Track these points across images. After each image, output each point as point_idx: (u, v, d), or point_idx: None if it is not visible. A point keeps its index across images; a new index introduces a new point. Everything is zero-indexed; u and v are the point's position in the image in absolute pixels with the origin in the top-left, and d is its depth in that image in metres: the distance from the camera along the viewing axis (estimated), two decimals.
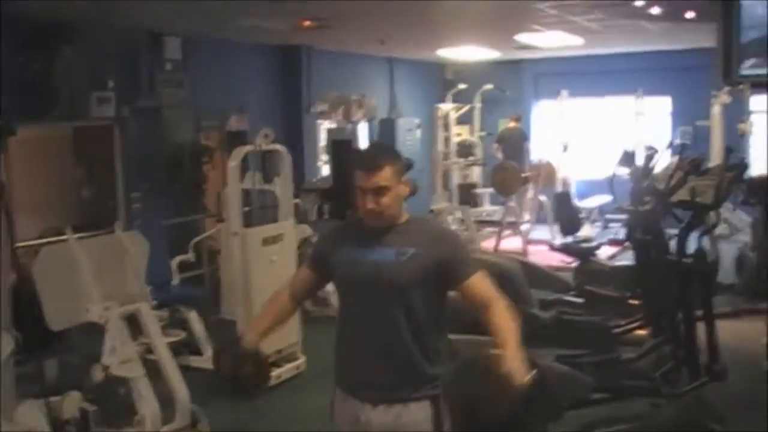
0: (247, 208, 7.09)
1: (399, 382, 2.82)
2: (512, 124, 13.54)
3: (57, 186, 9.61)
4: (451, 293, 2.92)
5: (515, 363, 2.60)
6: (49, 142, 9.52)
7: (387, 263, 2.79)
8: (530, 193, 12.57)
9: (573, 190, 13.28)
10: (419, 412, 2.83)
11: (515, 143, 13.30)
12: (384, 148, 3.12)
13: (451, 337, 4.01)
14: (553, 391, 4.30)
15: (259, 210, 7.21)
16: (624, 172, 7.47)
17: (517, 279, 6.40)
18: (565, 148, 13.14)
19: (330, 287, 3.14)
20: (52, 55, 7.99)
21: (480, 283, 2.84)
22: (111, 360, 4.80)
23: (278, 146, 6.56)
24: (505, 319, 2.77)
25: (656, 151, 6.13)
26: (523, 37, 10.95)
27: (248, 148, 6.44)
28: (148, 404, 4.85)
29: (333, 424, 3.03)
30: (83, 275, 4.87)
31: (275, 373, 6.33)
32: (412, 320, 2.80)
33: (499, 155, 13.21)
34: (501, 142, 13.51)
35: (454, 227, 9.87)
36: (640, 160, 10.20)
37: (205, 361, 6.74)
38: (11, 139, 7.84)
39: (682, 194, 4.98)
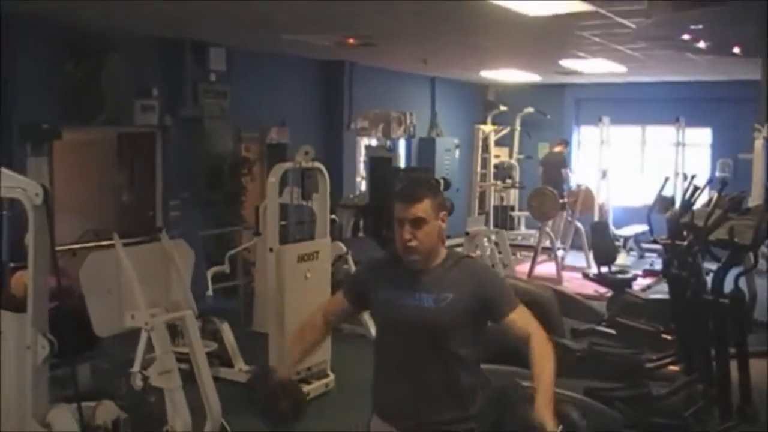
0: (283, 222, 7.14)
1: (436, 419, 2.84)
2: (558, 149, 13.48)
3: (98, 190, 9.75)
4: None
5: (545, 414, 2.62)
6: (93, 147, 9.68)
7: (426, 309, 2.80)
8: (566, 219, 12.52)
9: (610, 217, 13.22)
10: None
11: (555, 168, 13.24)
12: (425, 181, 3.14)
13: (483, 366, 4.02)
14: (581, 427, 4.28)
15: (295, 225, 7.25)
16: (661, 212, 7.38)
17: (550, 308, 6.37)
18: (604, 175, 13.07)
19: None
20: (100, 63, 8.15)
21: (518, 320, 2.85)
22: (151, 370, 4.83)
23: (318, 164, 6.59)
24: (540, 360, 2.77)
25: (697, 188, 6.06)
26: (566, 63, 10.95)
27: (288, 165, 6.49)
28: (180, 415, 4.87)
29: None
30: (129, 282, 4.91)
31: (305, 389, 6.35)
32: (450, 362, 2.82)
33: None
34: (544, 166, 13.45)
35: (488, 251, 9.83)
36: (677, 192, 10.13)
37: (235, 373, 6.80)
38: (56, 143, 8.04)
39: (721, 233, 4.92)
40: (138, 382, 4.80)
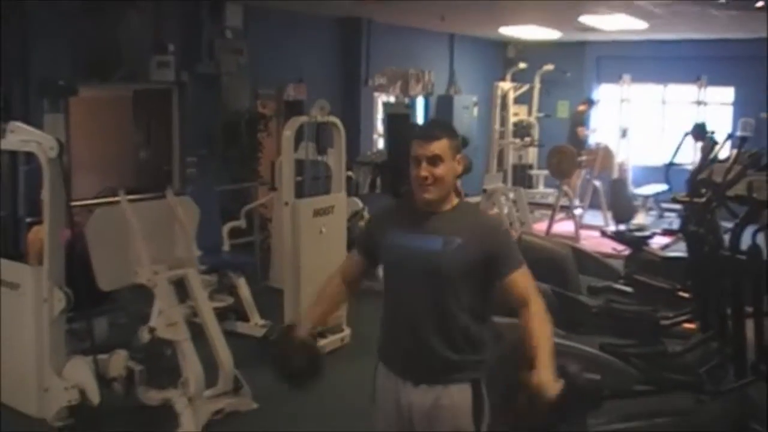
0: (299, 178, 7.13)
1: (440, 365, 2.84)
2: (581, 108, 13.36)
3: (115, 147, 9.78)
4: None
5: (545, 376, 2.61)
6: (110, 104, 9.69)
7: (433, 252, 2.80)
8: (584, 178, 12.47)
9: (630, 176, 13.12)
10: (459, 394, 2.85)
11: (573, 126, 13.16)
12: (443, 122, 3.17)
13: (496, 319, 4.01)
14: (594, 381, 4.27)
15: (311, 180, 7.24)
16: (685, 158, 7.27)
17: (567, 264, 6.36)
18: (624, 134, 12.96)
19: None
20: (116, 18, 8.10)
21: (520, 282, 2.83)
22: (157, 322, 4.87)
23: (333, 118, 6.56)
24: (539, 325, 2.76)
25: (716, 143, 5.99)
26: (586, 19, 10.80)
27: (303, 118, 6.46)
28: (192, 367, 4.92)
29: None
30: (134, 238, 4.94)
31: (320, 344, 6.39)
32: (456, 308, 2.81)
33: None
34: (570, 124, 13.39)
35: (506, 209, 9.80)
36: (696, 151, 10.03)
37: (251, 327, 6.85)
38: (73, 100, 8.05)
39: (739, 189, 4.87)
40: (145, 335, 4.85)
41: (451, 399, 2.84)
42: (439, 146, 2.80)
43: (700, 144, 9.88)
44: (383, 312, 3.00)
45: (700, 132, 7.52)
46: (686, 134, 6.94)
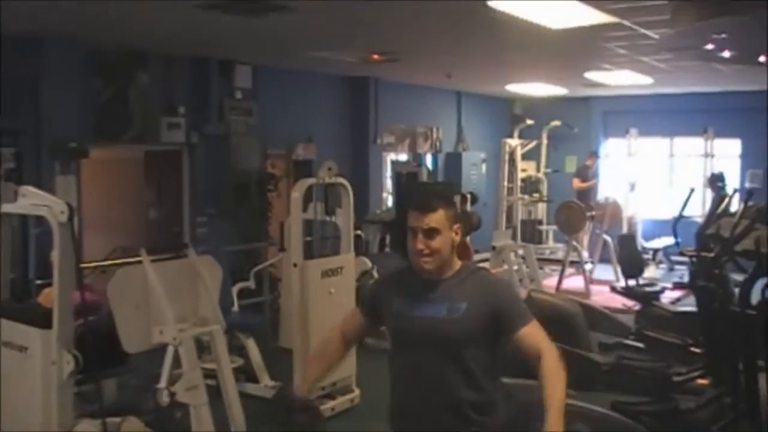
0: (309, 238, 7.15)
1: (451, 427, 2.82)
2: (588, 162, 13.43)
3: (126, 207, 9.86)
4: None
5: (554, 428, 2.59)
6: (121, 165, 9.79)
7: (439, 320, 2.81)
8: (593, 232, 12.48)
9: (639, 229, 13.13)
10: None
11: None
12: (440, 192, 3.16)
13: (506, 380, 3.99)
14: None
15: (320, 240, 7.26)
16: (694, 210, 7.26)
17: (577, 321, 6.32)
18: (633, 188, 12.99)
19: None
20: (127, 81, 8.27)
21: (531, 335, 2.82)
22: (178, 386, 4.85)
23: (341, 180, 6.61)
24: (551, 378, 2.73)
25: (724, 196, 6.00)
26: (592, 75, 10.91)
27: (311, 180, 6.50)
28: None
29: None
30: (157, 297, 4.94)
31: (329, 405, 6.36)
32: (464, 374, 2.81)
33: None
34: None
35: (516, 266, 9.80)
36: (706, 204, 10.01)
37: (260, 388, 6.81)
38: (84, 161, 8.14)
39: (747, 243, 4.87)
40: (164, 398, 4.82)
41: None
42: (435, 218, 2.81)
43: (713, 195, 9.92)
44: (391, 379, 2.99)
45: (717, 181, 7.51)
46: (692, 190, 6.93)
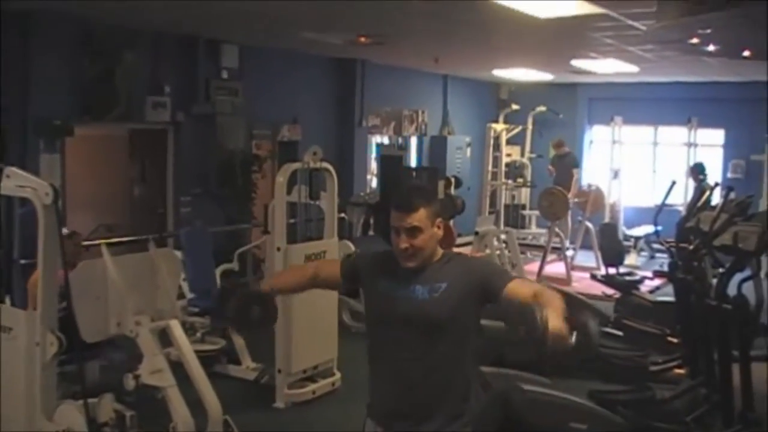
0: (292, 221, 7.17)
1: (430, 417, 2.86)
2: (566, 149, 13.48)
3: (110, 186, 9.83)
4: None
5: (553, 318, 2.46)
6: (106, 143, 9.75)
7: (420, 301, 2.84)
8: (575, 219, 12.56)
9: (621, 217, 13.21)
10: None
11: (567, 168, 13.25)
12: (422, 190, 3.15)
13: (484, 369, 4.06)
14: (582, 430, 4.32)
15: (304, 223, 7.29)
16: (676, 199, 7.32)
17: None
18: (616, 175, 13.08)
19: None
20: (113, 59, 8.20)
21: (520, 286, 2.78)
22: (142, 369, 4.92)
23: (326, 164, 6.63)
24: (550, 298, 2.63)
25: (705, 190, 6.09)
26: (578, 63, 10.95)
27: (296, 165, 6.52)
28: (180, 412, 4.94)
29: None
30: (117, 290, 5.03)
31: (310, 388, 6.42)
32: (444, 357, 2.84)
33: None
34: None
35: (498, 251, 9.86)
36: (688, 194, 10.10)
37: (243, 370, 6.86)
38: (69, 139, 8.12)
39: (725, 239, 4.95)
40: (131, 382, 4.88)
41: None
42: (417, 217, 2.83)
43: (695, 185, 10.01)
44: (370, 363, 3.02)
45: (698, 172, 7.56)
46: (674, 183, 7.03)
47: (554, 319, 2.45)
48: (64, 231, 5.34)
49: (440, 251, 2.96)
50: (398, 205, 2.88)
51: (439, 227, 2.91)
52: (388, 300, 2.91)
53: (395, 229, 2.86)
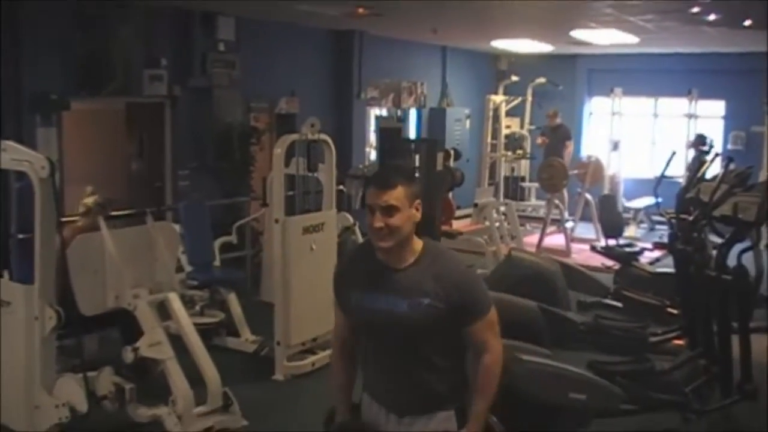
0: (291, 193, 7.16)
1: (424, 399, 2.85)
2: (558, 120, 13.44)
3: (107, 160, 9.78)
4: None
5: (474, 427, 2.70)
6: (102, 117, 9.70)
7: (400, 315, 2.74)
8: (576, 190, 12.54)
9: (621, 189, 13.19)
10: (444, 423, 2.85)
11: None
12: (400, 168, 3.05)
13: None
14: (580, 400, 4.32)
15: (302, 195, 7.27)
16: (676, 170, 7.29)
17: (556, 281, 6.38)
18: (616, 147, 13.03)
19: None
20: (109, 33, 8.13)
21: (479, 332, 2.79)
22: (141, 342, 4.92)
23: (324, 136, 6.60)
24: (486, 379, 2.79)
25: (704, 162, 6.05)
26: (578, 33, 10.87)
27: (294, 137, 6.50)
28: (179, 385, 4.97)
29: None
30: (114, 263, 5.03)
31: (309, 360, 6.43)
32: (426, 362, 2.80)
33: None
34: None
35: (497, 223, 9.84)
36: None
37: (242, 342, 6.87)
38: (65, 113, 8.07)
39: (725, 209, 4.92)
40: (129, 354, 4.88)
41: (436, 426, 2.84)
42: (394, 195, 2.69)
43: (694, 154, 9.98)
44: (361, 353, 2.97)
45: (701, 142, 7.52)
46: (674, 153, 6.98)
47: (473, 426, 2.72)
48: (93, 200, 5.36)
49: (419, 243, 2.82)
50: (374, 182, 2.76)
51: (417, 209, 2.77)
52: (366, 310, 2.82)
53: (370, 207, 2.72)
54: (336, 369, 3.06)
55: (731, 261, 5.00)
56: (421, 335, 2.76)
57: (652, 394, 4.84)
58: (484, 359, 2.80)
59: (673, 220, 6.14)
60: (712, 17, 6.52)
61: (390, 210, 2.69)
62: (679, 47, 12.54)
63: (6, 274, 5.41)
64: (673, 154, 7.05)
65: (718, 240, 5.22)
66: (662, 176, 7.04)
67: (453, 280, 2.77)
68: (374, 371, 2.93)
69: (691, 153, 11.47)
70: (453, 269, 2.82)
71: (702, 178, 6.05)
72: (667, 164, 7.10)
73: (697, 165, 6.70)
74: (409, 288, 2.74)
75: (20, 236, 5.41)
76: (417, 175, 7.40)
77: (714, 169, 6.60)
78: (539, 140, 13.41)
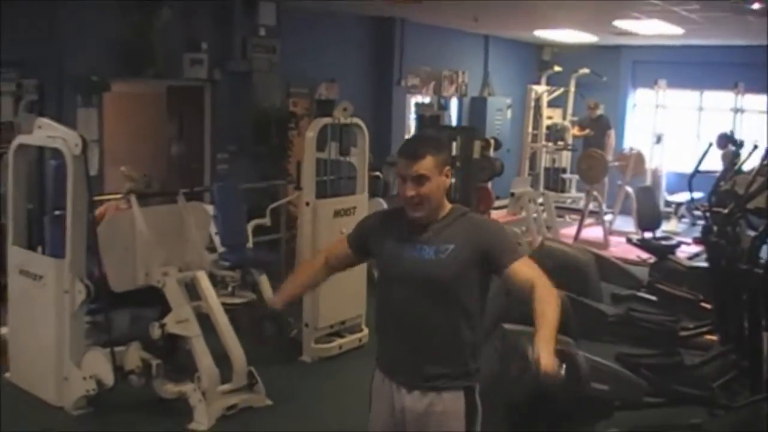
0: (325, 178, 7.17)
1: (434, 372, 2.85)
2: (591, 111, 13.32)
3: (147, 142, 9.91)
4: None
5: (544, 351, 2.52)
6: (143, 99, 9.82)
7: (426, 261, 2.81)
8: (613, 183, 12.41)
9: (663, 182, 13.02)
10: (451, 401, 2.86)
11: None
12: (429, 138, 3.15)
13: (508, 327, 4.02)
14: (603, 391, 4.27)
15: (336, 180, 7.29)
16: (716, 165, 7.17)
17: (588, 271, 6.34)
18: (659, 140, 12.85)
19: None
20: (150, 15, 8.21)
21: (522, 269, 2.79)
22: (168, 319, 4.98)
23: (356, 120, 6.60)
24: (545, 304, 2.67)
25: (739, 154, 5.94)
26: (622, 24, 10.73)
27: (326, 120, 6.50)
28: (204, 363, 5.02)
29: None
30: (144, 241, 5.11)
31: (336, 343, 6.45)
32: (450, 316, 2.82)
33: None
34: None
35: (534, 213, 9.77)
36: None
37: None
38: (106, 95, 8.18)
39: (759, 201, 4.85)
40: (156, 331, 4.94)
41: (443, 405, 2.85)
42: (424, 165, 2.79)
43: (721, 152, 9.82)
44: (377, 316, 3.04)
45: (723, 141, 7.41)
46: (710, 144, 6.87)
47: (545, 357, 2.49)
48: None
49: (448, 205, 2.92)
50: (405, 153, 2.85)
51: (447, 176, 2.87)
52: (394, 259, 2.90)
53: (401, 177, 2.83)
54: (304, 267, 3.32)
55: (764, 254, 4.92)
56: (445, 287, 2.80)
57: (678, 388, 4.79)
58: (536, 290, 2.70)
59: (708, 213, 6.05)
60: (756, 6, 6.38)
61: (420, 179, 2.80)
62: (725, 39, 12.30)
63: (40, 249, 5.52)
64: (710, 145, 6.93)
65: (753, 233, 5.14)
66: (696, 170, 6.93)
67: (479, 228, 2.90)
68: (389, 335, 2.96)
69: (719, 153, 11.27)
70: (478, 220, 3.00)
71: (739, 171, 5.96)
72: (703, 157, 6.98)
73: (731, 158, 6.57)
74: (436, 237, 2.85)
75: (56, 213, 5.49)
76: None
77: (753, 162, 6.49)
78: (575, 130, 13.30)
